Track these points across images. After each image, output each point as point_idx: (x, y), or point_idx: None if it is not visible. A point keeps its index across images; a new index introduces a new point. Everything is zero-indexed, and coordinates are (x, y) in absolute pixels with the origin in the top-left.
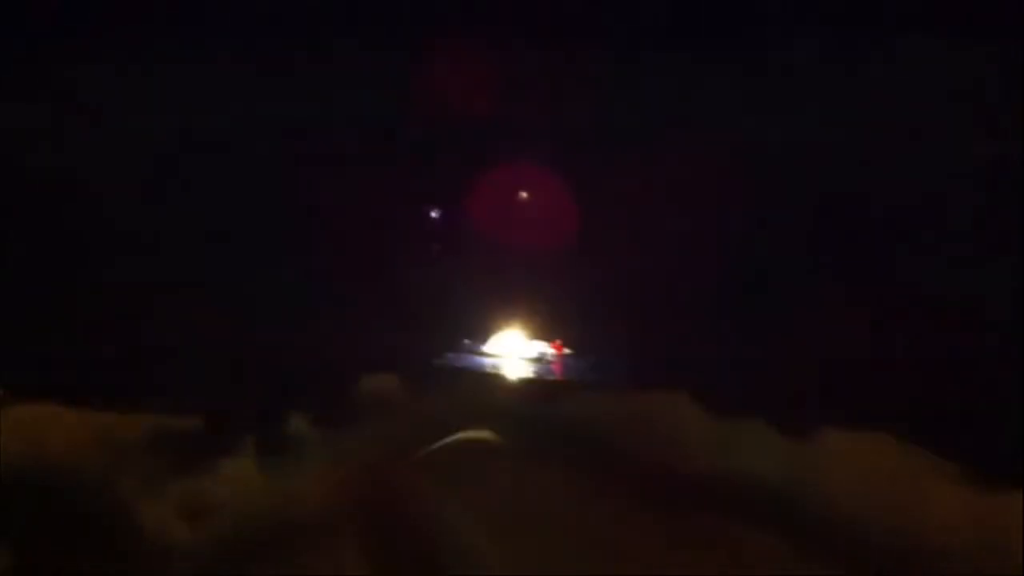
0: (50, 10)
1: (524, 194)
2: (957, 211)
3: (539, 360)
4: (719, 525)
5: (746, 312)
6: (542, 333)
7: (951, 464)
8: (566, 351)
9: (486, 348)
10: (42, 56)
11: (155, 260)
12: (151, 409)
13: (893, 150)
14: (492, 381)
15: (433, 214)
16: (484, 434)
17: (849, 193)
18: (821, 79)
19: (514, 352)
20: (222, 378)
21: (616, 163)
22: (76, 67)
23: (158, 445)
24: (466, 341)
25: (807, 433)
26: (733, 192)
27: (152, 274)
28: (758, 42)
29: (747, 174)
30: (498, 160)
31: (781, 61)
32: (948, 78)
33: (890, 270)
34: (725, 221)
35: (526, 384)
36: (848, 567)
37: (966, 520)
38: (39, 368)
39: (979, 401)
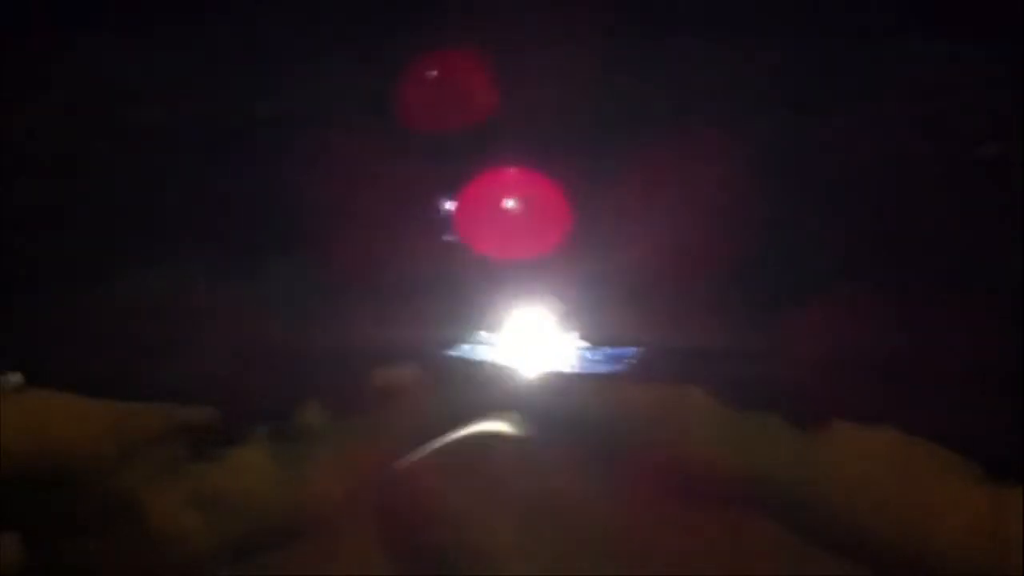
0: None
1: (536, 185)
2: (966, 207)
3: (553, 352)
4: (732, 519)
5: (760, 306)
6: (556, 324)
7: (965, 461)
8: (581, 343)
9: (500, 340)
10: (42, 44)
11: (167, 252)
12: (163, 399)
13: (899, 146)
14: (506, 373)
15: (446, 205)
16: (498, 426)
17: (859, 189)
18: (823, 75)
19: (528, 344)
20: (234, 369)
21: (630, 155)
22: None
23: (170, 436)
24: (480, 332)
25: (821, 428)
26: (746, 186)
27: (164, 265)
28: (755, 39)
29: (758, 169)
30: (507, 151)
31: (780, 58)
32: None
33: (901, 266)
34: (740, 215)
35: (540, 376)
36: (859, 563)
37: (979, 517)
38: (49, 357)
39: (991, 397)
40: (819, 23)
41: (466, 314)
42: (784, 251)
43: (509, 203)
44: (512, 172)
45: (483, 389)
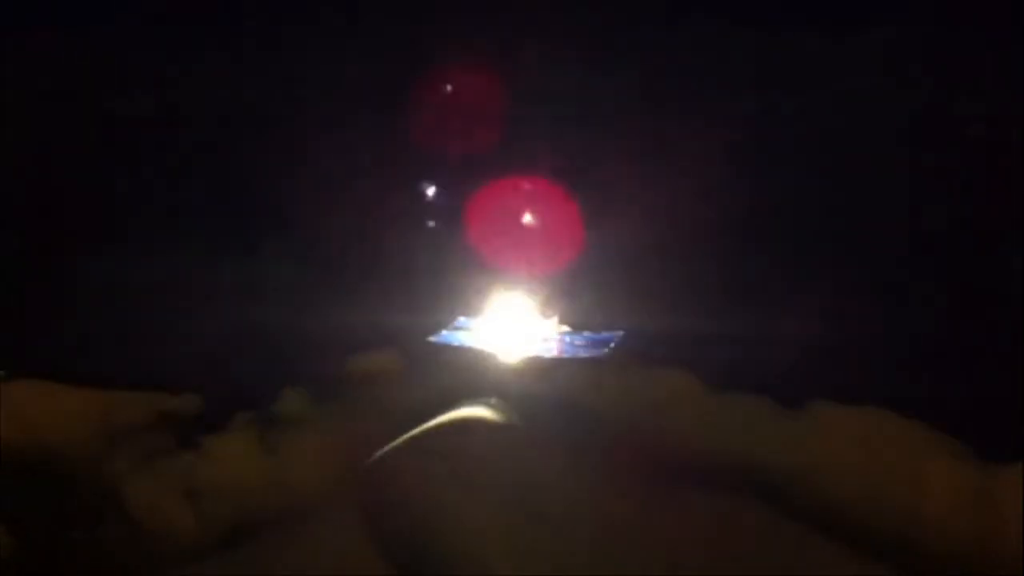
0: None
1: (522, 174)
2: (952, 192)
3: (536, 336)
4: (719, 502)
5: (744, 290)
6: (539, 309)
7: (948, 439)
8: (563, 327)
9: (483, 325)
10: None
11: (153, 241)
12: (148, 387)
13: (884, 135)
14: (489, 358)
15: (429, 192)
16: (481, 411)
17: (847, 174)
18: (817, 66)
19: (511, 328)
20: (218, 357)
21: (615, 143)
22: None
23: (154, 423)
24: (463, 318)
25: (804, 409)
26: (729, 171)
27: (147, 254)
28: (745, 29)
29: (744, 156)
30: (494, 138)
31: (772, 48)
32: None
33: (888, 250)
34: (722, 200)
35: (523, 360)
36: (848, 542)
37: (963, 494)
38: (36, 347)
39: (976, 377)
40: (810, 12)
41: (448, 300)
42: (770, 236)
43: (503, 180)
44: (505, 151)
45: (466, 374)
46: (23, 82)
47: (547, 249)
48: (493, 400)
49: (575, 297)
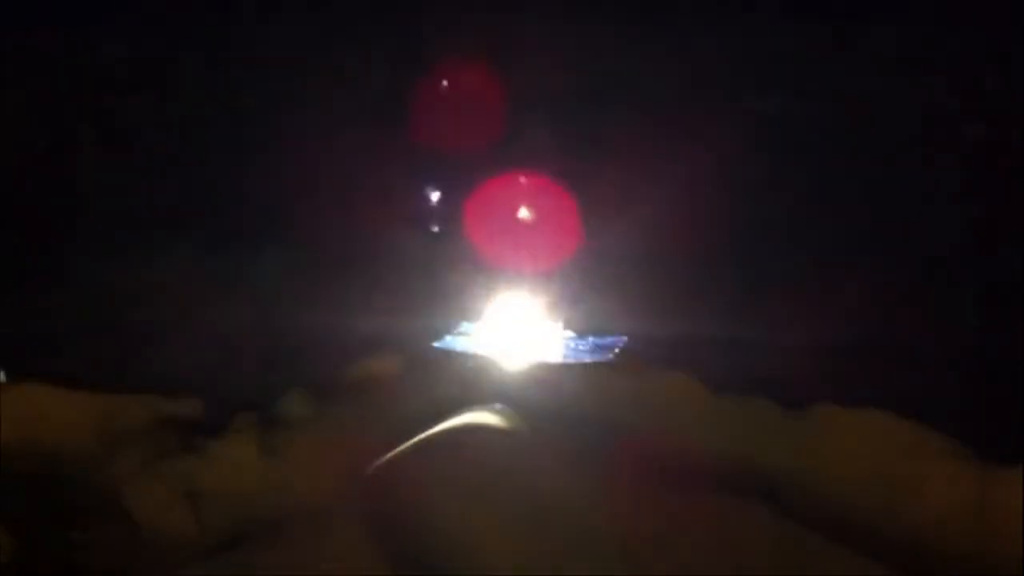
0: None
1: (522, 173)
2: (953, 192)
3: (540, 341)
4: (722, 505)
5: (748, 292)
6: (543, 314)
7: (948, 440)
8: (567, 332)
9: (486, 329)
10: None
11: (150, 244)
12: (148, 391)
13: (885, 133)
14: (492, 363)
15: (432, 195)
16: (486, 417)
17: (846, 173)
18: (824, 65)
19: (515, 333)
20: (219, 360)
21: (615, 144)
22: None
23: (155, 427)
24: (466, 323)
25: (808, 412)
26: (732, 172)
27: (147, 256)
28: (744, 24)
29: (742, 157)
30: (495, 141)
31: (763, 44)
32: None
33: (888, 251)
34: (725, 201)
35: (526, 366)
36: (849, 544)
37: (966, 496)
38: (32, 350)
39: (976, 377)
40: (807, 6)
41: (452, 304)
42: (770, 237)
43: (505, 183)
44: (506, 153)
45: (470, 380)
46: (23, 82)
47: (551, 253)
48: (498, 406)
49: (580, 301)
